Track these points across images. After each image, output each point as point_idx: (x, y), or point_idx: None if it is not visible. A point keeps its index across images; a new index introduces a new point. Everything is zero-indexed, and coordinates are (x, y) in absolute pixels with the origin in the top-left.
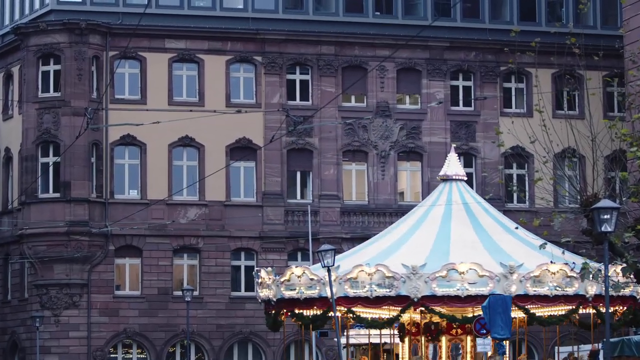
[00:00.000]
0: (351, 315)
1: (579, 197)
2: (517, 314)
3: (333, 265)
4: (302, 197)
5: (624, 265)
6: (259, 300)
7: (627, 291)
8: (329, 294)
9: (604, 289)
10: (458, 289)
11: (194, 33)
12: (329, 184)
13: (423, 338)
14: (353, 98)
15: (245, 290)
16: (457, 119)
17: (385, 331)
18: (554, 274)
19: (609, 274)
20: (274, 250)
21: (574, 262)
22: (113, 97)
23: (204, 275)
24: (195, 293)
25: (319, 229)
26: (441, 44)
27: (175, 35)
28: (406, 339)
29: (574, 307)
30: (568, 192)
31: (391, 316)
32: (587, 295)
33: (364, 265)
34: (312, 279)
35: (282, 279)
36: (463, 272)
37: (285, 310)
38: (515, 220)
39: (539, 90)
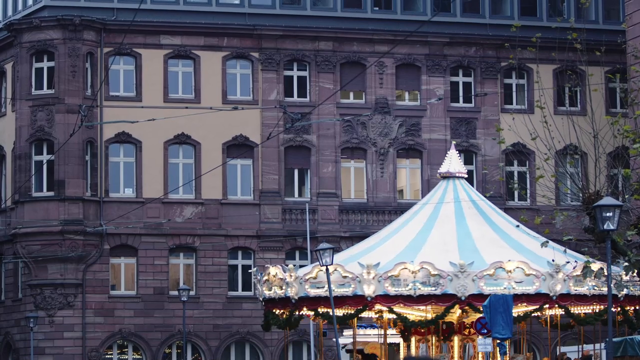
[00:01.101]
0: (393, 314)
1: (580, 195)
2: (556, 311)
3: (331, 264)
4: (300, 195)
5: (627, 263)
6: (261, 299)
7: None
8: (366, 292)
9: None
10: (505, 288)
11: (190, 29)
12: (327, 182)
13: (434, 338)
14: (351, 94)
15: (243, 290)
16: (457, 115)
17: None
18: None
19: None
20: (272, 249)
21: (576, 261)
22: (108, 94)
23: (201, 274)
24: (192, 293)
25: (317, 228)
26: (441, 40)
27: (171, 31)
28: (412, 339)
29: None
30: (570, 189)
31: (434, 315)
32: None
33: (407, 262)
34: (344, 277)
35: (307, 277)
36: (510, 271)
37: (306, 309)
38: (516, 218)
39: (540, 87)
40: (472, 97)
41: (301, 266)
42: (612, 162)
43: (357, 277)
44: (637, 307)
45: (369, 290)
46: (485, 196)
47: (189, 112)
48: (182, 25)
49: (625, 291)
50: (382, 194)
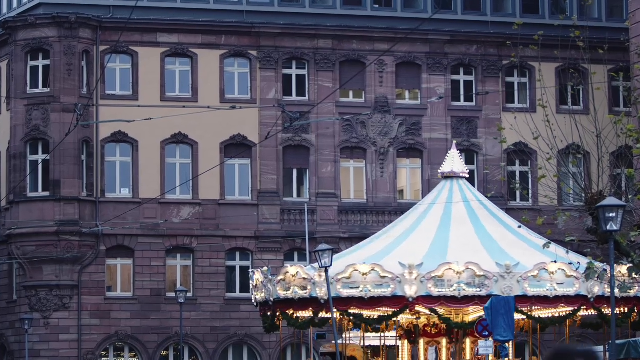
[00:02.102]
0: (436, 316)
1: (583, 195)
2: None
3: (330, 265)
4: (299, 195)
5: (630, 265)
6: (255, 303)
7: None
8: (408, 293)
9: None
10: (547, 289)
11: (187, 27)
12: (327, 182)
13: (445, 340)
14: (351, 93)
15: (241, 292)
16: (458, 114)
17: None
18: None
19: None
20: (270, 250)
21: (578, 262)
22: (104, 92)
23: (198, 276)
24: (189, 294)
25: (316, 229)
26: (442, 38)
27: (168, 29)
28: (421, 341)
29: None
30: (572, 189)
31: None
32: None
33: (452, 263)
34: (383, 277)
35: (339, 276)
36: (553, 272)
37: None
38: (518, 219)
39: (542, 85)
40: (474, 95)
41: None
42: (615, 162)
43: (398, 277)
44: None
45: (410, 291)
46: (486, 196)
47: (186, 111)
48: (179, 23)
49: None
50: (382, 194)
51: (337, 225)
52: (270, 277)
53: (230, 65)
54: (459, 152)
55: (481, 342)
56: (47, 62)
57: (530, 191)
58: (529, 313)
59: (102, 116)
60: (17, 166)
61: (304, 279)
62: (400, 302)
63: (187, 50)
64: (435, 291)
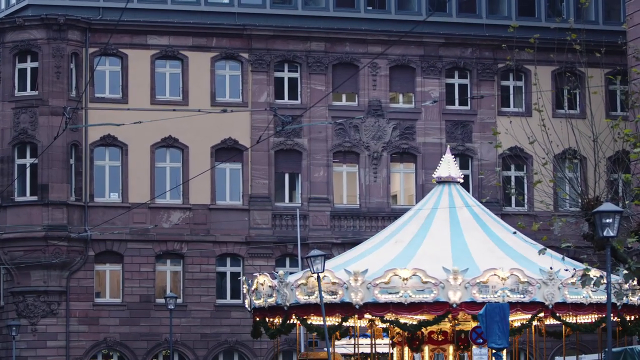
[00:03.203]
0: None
1: (580, 201)
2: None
3: (322, 271)
4: (291, 200)
5: (627, 271)
6: (249, 309)
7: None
8: (452, 299)
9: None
10: (584, 297)
11: (178, 29)
12: (319, 187)
13: (451, 347)
14: (344, 97)
15: (231, 298)
16: (453, 118)
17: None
18: (504, 279)
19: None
20: (261, 256)
21: (574, 269)
22: (93, 95)
23: (188, 282)
24: (179, 301)
25: (309, 234)
26: (436, 40)
27: (158, 31)
28: (426, 348)
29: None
30: (568, 195)
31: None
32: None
33: (498, 269)
34: (425, 282)
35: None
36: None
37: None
38: (513, 224)
39: (538, 89)
40: (468, 99)
41: (291, 273)
42: (612, 167)
43: (441, 282)
44: (637, 317)
45: (454, 297)
46: (481, 202)
47: (177, 115)
48: (169, 25)
49: (624, 300)
50: (375, 199)
51: (329, 230)
52: (287, 281)
53: (222, 68)
54: (453, 156)
55: (475, 350)
56: (35, 64)
57: (526, 196)
58: (565, 320)
59: (91, 119)
60: (4, 170)
61: (334, 283)
62: (442, 308)
63: (177, 53)
64: (479, 297)
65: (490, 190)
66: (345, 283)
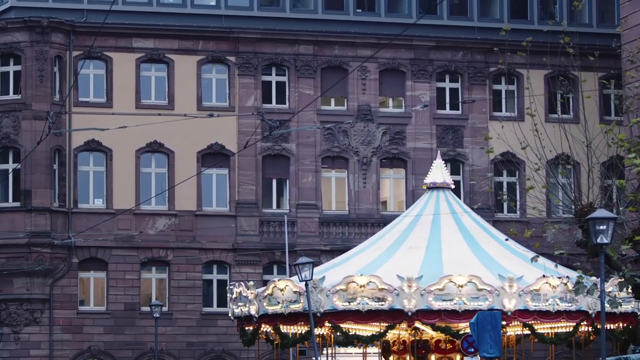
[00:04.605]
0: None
1: (573, 207)
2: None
3: (311, 279)
4: (279, 206)
5: (622, 279)
6: (232, 317)
7: (628, 307)
8: (507, 306)
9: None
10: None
11: (163, 32)
12: (307, 193)
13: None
14: (333, 101)
15: (218, 306)
16: (444, 123)
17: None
18: (555, 287)
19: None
20: (249, 263)
21: (567, 276)
22: (77, 99)
23: (174, 289)
24: (165, 309)
25: (297, 241)
26: (427, 44)
27: (143, 34)
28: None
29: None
30: (562, 201)
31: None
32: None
33: (549, 277)
34: (480, 289)
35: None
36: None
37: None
38: (505, 231)
39: (530, 93)
40: (460, 103)
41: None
42: (606, 173)
43: (497, 290)
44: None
45: (509, 305)
46: (472, 208)
47: (162, 119)
48: (155, 28)
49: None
50: (364, 206)
51: (318, 237)
52: (323, 286)
53: (208, 72)
54: (444, 162)
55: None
56: (18, 67)
57: (518, 203)
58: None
59: (75, 124)
60: None
61: (381, 289)
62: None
63: (163, 56)
64: (532, 305)
65: (481, 197)
66: (396, 289)
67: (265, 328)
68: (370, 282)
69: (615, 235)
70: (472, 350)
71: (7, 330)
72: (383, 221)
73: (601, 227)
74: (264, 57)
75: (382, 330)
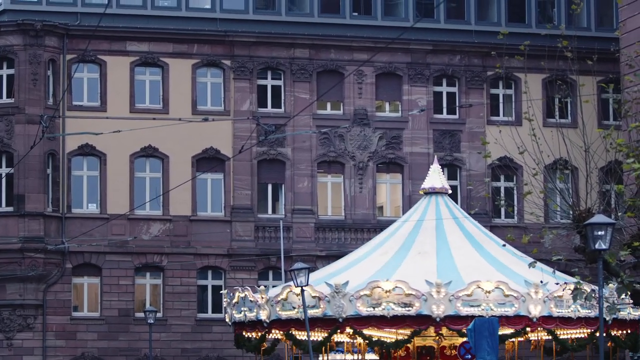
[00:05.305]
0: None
1: (571, 212)
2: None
3: (307, 284)
4: (274, 211)
5: (620, 285)
6: (229, 323)
7: (629, 314)
8: (532, 313)
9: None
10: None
11: (158, 35)
12: (303, 198)
13: None
14: (329, 105)
15: (213, 312)
16: (441, 127)
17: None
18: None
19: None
20: (244, 268)
21: (565, 282)
22: (71, 103)
23: (168, 295)
24: (159, 315)
25: (292, 246)
26: (423, 47)
27: (138, 37)
28: None
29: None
30: (559, 206)
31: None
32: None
33: (568, 283)
34: (507, 296)
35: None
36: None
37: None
38: (502, 236)
39: (528, 97)
40: (457, 108)
41: (273, 286)
42: (604, 178)
43: (523, 296)
44: (628, 331)
45: (535, 311)
46: (469, 213)
47: (157, 123)
48: (149, 31)
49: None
50: (360, 211)
51: (313, 242)
52: (345, 291)
53: (203, 76)
54: (441, 166)
55: None
56: (11, 71)
57: (516, 208)
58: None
59: (68, 128)
60: None
61: (408, 294)
62: (522, 322)
63: (157, 60)
64: (555, 311)
65: (479, 202)
66: (424, 295)
67: (275, 334)
68: (396, 287)
69: (613, 241)
70: (469, 356)
71: (0, 336)
72: (379, 226)
73: (599, 233)
74: (259, 60)
75: (407, 337)
